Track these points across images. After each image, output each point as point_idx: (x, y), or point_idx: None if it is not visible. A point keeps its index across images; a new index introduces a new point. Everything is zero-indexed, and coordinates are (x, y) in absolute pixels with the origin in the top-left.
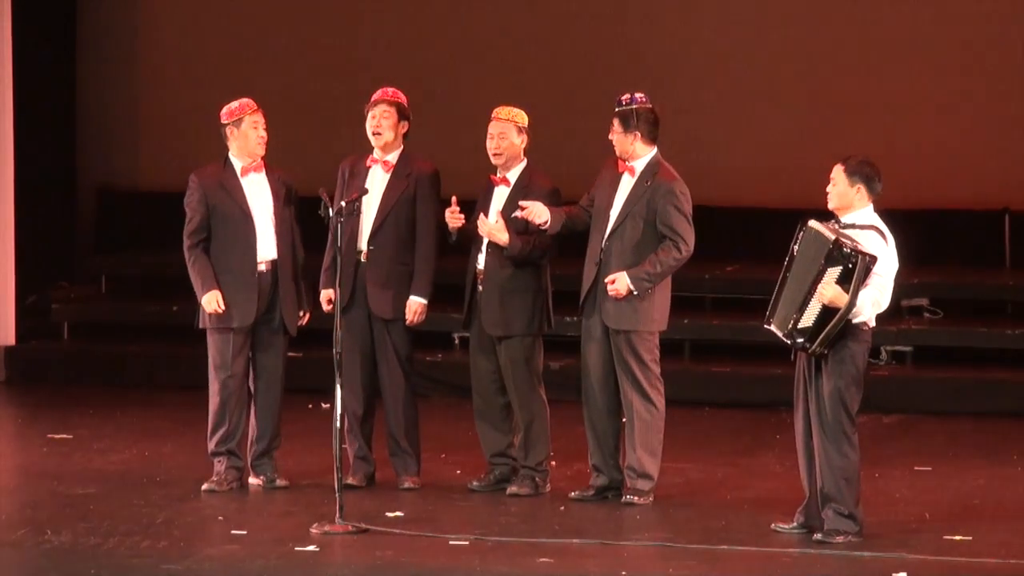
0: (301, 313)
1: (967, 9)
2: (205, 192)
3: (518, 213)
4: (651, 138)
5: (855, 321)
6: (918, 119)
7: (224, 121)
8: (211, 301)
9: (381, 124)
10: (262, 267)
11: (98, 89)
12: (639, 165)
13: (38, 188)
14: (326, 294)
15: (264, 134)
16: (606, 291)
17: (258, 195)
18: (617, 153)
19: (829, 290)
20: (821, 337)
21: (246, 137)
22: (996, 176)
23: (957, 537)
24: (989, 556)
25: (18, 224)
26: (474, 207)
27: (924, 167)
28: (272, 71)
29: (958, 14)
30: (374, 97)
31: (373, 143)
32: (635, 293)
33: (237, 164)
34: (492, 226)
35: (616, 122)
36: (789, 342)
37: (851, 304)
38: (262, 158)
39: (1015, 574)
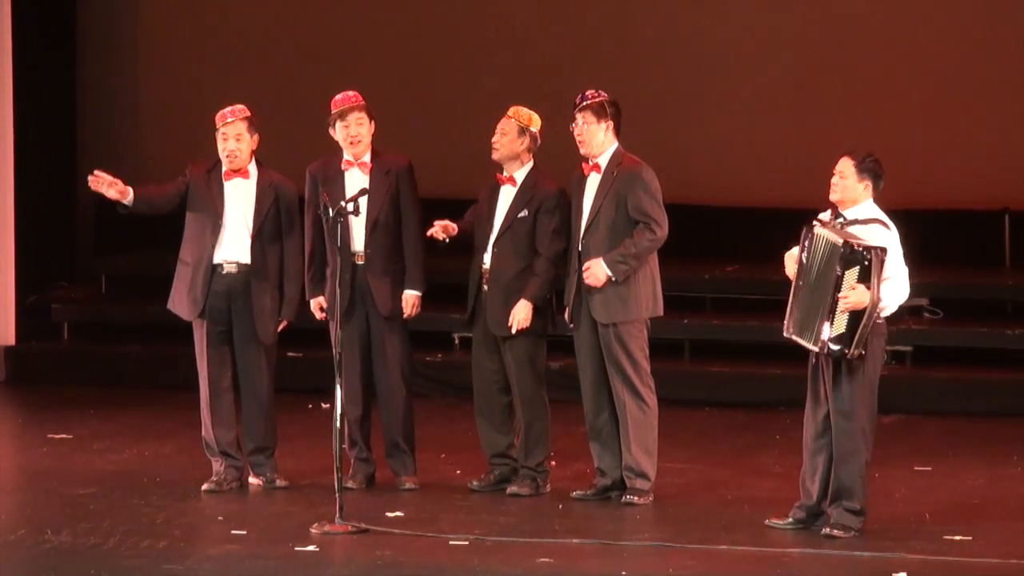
0: (279, 319)
1: (967, 8)
2: (191, 182)
3: (590, 282)
4: (618, 130)
5: (881, 316)
6: (918, 119)
7: None
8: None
9: (359, 132)
10: (231, 268)
11: (98, 89)
12: (603, 160)
13: (38, 188)
14: (317, 302)
15: (235, 147)
16: (594, 290)
17: (238, 199)
18: (584, 151)
19: (854, 294)
20: (856, 339)
21: (217, 147)
22: (996, 176)
23: (957, 537)
24: (989, 556)
25: (18, 224)
26: (475, 205)
27: (924, 167)
28: (272, 71)
29: (958, 13)
30: (340, 105)
31: (351, 151)
32: (614, 279)
33: (223, 166)
34: (519, 316)
35: (588, 114)
36: (827, 352)
37: (876, 299)
38: (256, 163)
39: (1015, 574)
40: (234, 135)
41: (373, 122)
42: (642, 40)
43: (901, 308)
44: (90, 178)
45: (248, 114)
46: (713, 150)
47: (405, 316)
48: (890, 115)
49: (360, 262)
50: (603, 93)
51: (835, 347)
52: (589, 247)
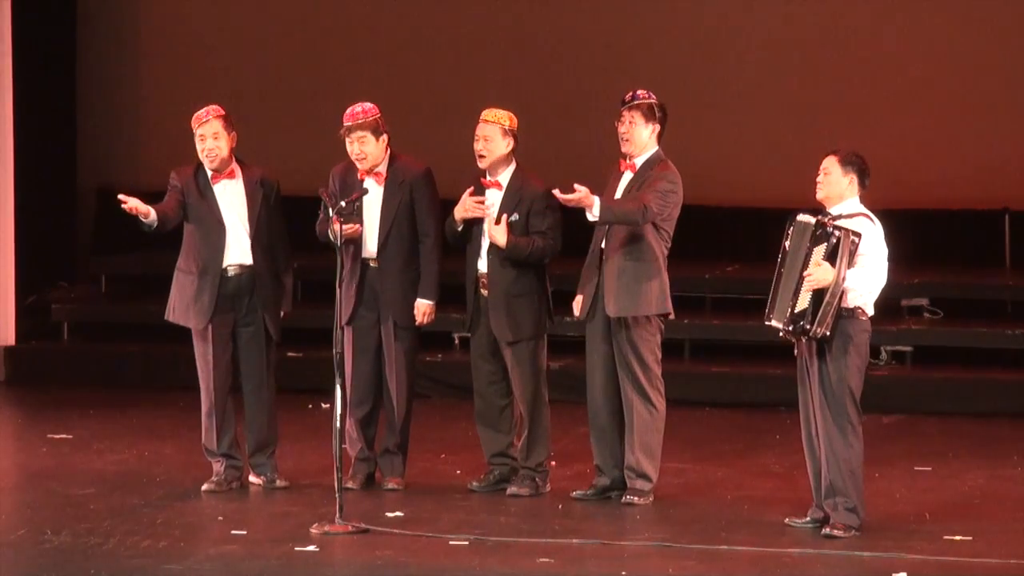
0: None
1: (967, 9)
2: (183, 190)
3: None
4: (662, 134)
5: (851, 303)
6: (918, 119)
7: None
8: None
9: (363, 151)
10: (236, 271)
11: (98, 89)
12: (640, 161)
13: (38, 188)
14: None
15: (213, 145)
16: (607, 286)
17: (231, 202)
18: (626, 150)
19: (818, 271)
20: (819, 316)
21: (197, 150)
22: (996, 176)
23: (957, 537)
24: (989, 556)
25: (18, 224)
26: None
27: (924, 167)
28: (272, 72)
29: (958, 13)
30: (346, 122)
31: (359, 166)
32: (592, 215)
33: (208, 171)
34: (494, 228)
35: (637, 114)
36: (791, 329)
37: (839, 278)
38: (237, 162)
39: (1015, 574)
40: (211, 134)
41: (383, 136)
42: (641, 42)
43: (901, 308)
44: (124, 206)
45: (223, 112)
46: (713, 150)
47: (417, 324)
48: (890, 116)
49: (372, 265)
50: (653, 95)
51: (799, 323)
52: (610, 238)
